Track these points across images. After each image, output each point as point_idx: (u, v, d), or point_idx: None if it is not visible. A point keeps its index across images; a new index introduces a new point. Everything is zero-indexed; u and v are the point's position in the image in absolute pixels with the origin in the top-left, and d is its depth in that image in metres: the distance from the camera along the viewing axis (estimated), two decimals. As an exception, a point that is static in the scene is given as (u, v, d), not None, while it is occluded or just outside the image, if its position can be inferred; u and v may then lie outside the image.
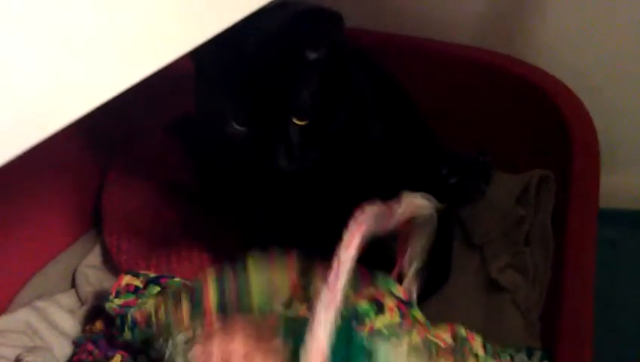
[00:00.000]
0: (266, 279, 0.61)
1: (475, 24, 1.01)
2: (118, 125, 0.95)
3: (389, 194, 0.63)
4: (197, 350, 0.60)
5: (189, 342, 0.61)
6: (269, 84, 0.58)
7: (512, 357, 0.63)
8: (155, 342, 0.65)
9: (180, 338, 0.63)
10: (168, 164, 0.95)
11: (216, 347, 0.59)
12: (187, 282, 0.71)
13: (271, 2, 0.56)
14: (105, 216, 0.88)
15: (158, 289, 0.72)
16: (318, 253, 0.62)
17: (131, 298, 0.70)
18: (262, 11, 0.63)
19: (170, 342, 0.63)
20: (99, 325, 0.73)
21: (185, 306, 0.61)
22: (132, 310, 0.65)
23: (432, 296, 0.81)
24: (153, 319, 0.63)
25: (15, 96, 0.29)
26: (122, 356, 0.66)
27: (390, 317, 0.61)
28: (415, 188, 0.72)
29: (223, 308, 0.60)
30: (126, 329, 0.65)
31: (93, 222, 0.92)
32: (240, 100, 0.59)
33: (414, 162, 0.78)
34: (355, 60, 0.70)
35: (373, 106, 0.72)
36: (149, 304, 0.65)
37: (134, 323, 0.64)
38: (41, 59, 0.30)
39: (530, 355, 0.65)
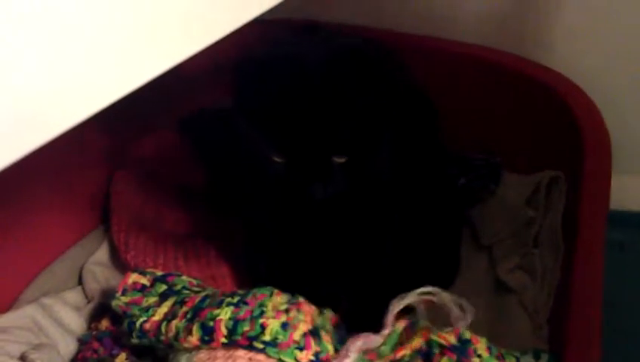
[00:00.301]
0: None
1: (482, 23, 1.00)
2: (129, 122, 0.96)
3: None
4: (202, 354, 0.61)
5: (194, 352, 0.62)
6: (312, 122, 0.58)
7: (517, 359, 0.63)
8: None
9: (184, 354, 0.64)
10: (178, 163, 0.96)
11: (220, 352, 0.59)
12: (198, 291, 0.71)
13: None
14: (113, 213, 0.89)
15: (164, 287, 0.72)
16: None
17: (138, 296, 0.70)
18: (304, 42, 0.64)
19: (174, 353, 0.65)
20: (105, 323, 0.74)
21: (196, 332, 0.61)
22: (141, 319, 0.65)
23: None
24: (162, 335, 0.63)
25: (16, 97, 0.29)
26: (127, 354, 0.66)
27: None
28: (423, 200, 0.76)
29: (234, 331, 0.60)
30: (134, 336, 0.65)
31: (102, 218, 0.92)
32: (281, 136, 0.59)
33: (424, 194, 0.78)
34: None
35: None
36: (159, 314, 0.66)
37: (143, 332, 0.65)
38: (42, 60, 0.30)
39: (537, 357, 0.64)
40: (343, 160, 0.60)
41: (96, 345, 0.70)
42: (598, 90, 0.89)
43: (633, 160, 0.99)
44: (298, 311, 0.63)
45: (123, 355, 0.66)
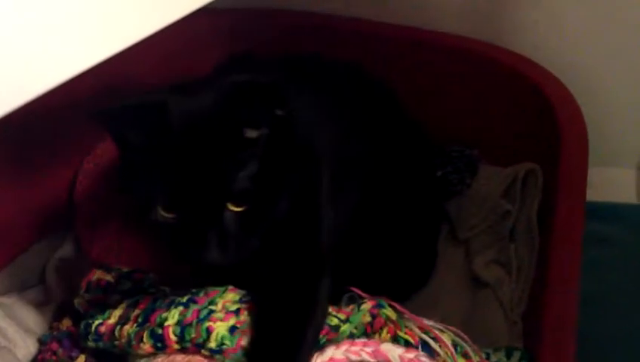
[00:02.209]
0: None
1: (463, 13, 0.99)
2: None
3: None
4: (159, 359, 0.59)
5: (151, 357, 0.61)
6: (202, 166, 0.52)
7: (488, 356, 0.61)
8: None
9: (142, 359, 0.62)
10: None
11: (179, 357, 0.57)
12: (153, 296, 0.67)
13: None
14: (77, 207, 0.86)
15: (129, 285, 0.70)
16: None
17: (100, 294, 0.68)
18: (192, 83, 0.57)
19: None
20: (66, 322, 0.72)
21: (147, 340, 0.59)
22: (97, 322, 0.63)
23: (418, 291, 0.80)
24: (116, 339, 0.61)
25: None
26: (86, 356, 0.64)
27: (362, 317, 0.60)
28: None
29: (182, 337, 0.58)
30: (90, 339, 0.63)
31: (66, 214, 0.89)
32: (168, 183, 0.52)
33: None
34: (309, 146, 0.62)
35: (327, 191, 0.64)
36: (114, 316, 0.63)
37: (99, 335, 0.63)
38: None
39: (509, 355, 0.63)
40: (240, 208, 0.53)
41: (55, 346, 0.67)
42: (576, 82, 0.88)
43: (611, 152, 0.99)
44: (250, 312, 0.60)
45: (82, 357, 0.64)
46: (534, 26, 0.95)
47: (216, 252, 0.53)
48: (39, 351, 0.70)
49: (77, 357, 0.64)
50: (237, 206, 0.53)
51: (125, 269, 0.72)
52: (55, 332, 0.70)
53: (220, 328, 0.57)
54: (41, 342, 0.71)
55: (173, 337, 0.58)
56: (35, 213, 0.85)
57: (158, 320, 0.59)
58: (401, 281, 0.79)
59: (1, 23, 0.29)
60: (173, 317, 0.59)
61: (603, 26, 0.92)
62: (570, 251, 0.68)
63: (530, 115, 0.89)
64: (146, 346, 0.59)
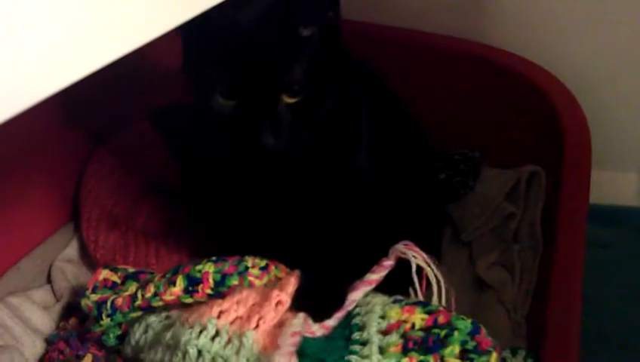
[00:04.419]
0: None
1: (459, 14, 0.99)
2: (100, 116, 0.94)
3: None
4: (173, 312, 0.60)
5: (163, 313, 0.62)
6: (260, 59, 0.57)
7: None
8: (131, 330, 0.64)
9: (153, 319, 0.63)
10: (149, 158, 0.93)
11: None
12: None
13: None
14: (83, 208, 0.86)
15: (136, 285, 0.70)
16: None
17: (108, 293, 0.68)
18: None
19: (142, 326, 0.64)
20: (72, 322, 0.71)
21: (180, 283, 0.60)
22: (112, 297, 0.64)
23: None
24: (139, 296, 0.62)
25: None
26: (94, 355, 0.64)
27: None
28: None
29: (222, 283, 0.60)
30: (104, 316, 0.64)
31: (72, 214, 0.90)
32: (229, 74, 0.57)
33: (403, 194, 0.77)
34: (351, 70, 0.68)
35: (366, 134, 0.70)
36: (130, 290, 0.65)
37: (114, 309, 0.63)
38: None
39: (514, 354, 0.63)
40: (293, 100, 0.58)
41: (62, 345, 0.67)
42: (579, 86, 0.88)
43: (613, 156, 0.99)
44: (276, 267, 0.63)
45: (89, 357, 0.64)
46: (537, 28, 0.96)
47: (270, 138, 0.58)
48: (46, 351, 0.70)
49: (84, 356, 0.64)
50: (290, 97, 0.58)
51: (131, 269, 0.72)
52: (62, 332, 0.70)
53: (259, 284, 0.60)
54: (49, 341, 0.71)
55: (211, 282, 0.59)
56: (40, 213, 0.86)
57: (192, 270, 0.61)
58: (404, 283, 0.79)
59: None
60: (210, 267, 0.61)
61: (607, 29, 0.93)
62: (573, 253, 0.69)
63: (534, 118, 0.90)
64: (177, 289, 0.60)
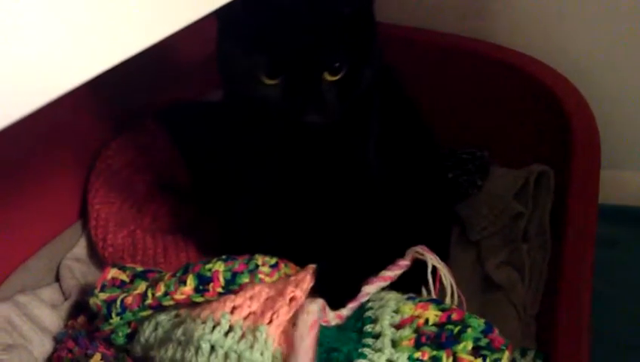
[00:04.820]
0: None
1: (464, 12, 0.99)
2: (108, 114, 0.94)
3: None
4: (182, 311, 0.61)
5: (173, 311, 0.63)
6: (304, 37, 0.58)
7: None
8: (140, 329, 0.64)
9: (163, 317, 0.63)
10: (158, 156, 0.93)
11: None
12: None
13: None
14: (91, 207, 0.86)
15: (146, 284, 0.70)
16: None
17: (117, 292, 0.68)
18: None
19: (152, 324, 0.64)
20: (81, 321, 0.71)
21: (191, 282, 0.61)
22: (122, 296, 0.65)
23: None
24: (150, 296, 0.62)
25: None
26: (103, 354, 0.64)
27: None
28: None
29: (232, 281, 0.60)
30: (113, 315, 0.64)
31: (80, 213, 0.90)
32: (274, 54, 0.58)
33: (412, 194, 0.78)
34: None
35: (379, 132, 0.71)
36: (140, 288, 0.65)
37: (124, 308, 0.64)
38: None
39: (523, 354, 0.63)
40: (335, 78, 0.60)
41: (71, 344, 0.67)
42: (587, 83, 0.88)
43: (623, 154, 0.99)
44: (285, 265, 0.63)
45: (98, 356, 0.64)
46: (546, 27, 0.96)
47: (314, 114, 0.60)
48: (55, 349, 0.70)
49: (92, 355, 0.64)
50: (332, 75, 0.60)
51: (140, 268, 0.72)
52: (70, 331, 0.70)
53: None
54: (57, 340, 0.71)
55: (222, 280, 0.60)
56: (48, 212, 0.86)
57: (202, 269, 0.61)
58: (415, 286, 0.79)
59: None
60: (220, 266, 0.61)
61: (617, 28, 0.92)
62: (582, 253, 0.68)
63: (542, 117, 0.89)
64: (188, 288, 0.60)
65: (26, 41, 0.29)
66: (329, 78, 0.60)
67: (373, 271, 0.66)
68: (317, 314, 0.56)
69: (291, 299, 0.57)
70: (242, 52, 0.60)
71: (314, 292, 0.61)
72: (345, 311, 0.60)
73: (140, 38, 0.36)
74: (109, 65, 0.34)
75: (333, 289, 0.61)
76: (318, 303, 0.57)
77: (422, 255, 0.62)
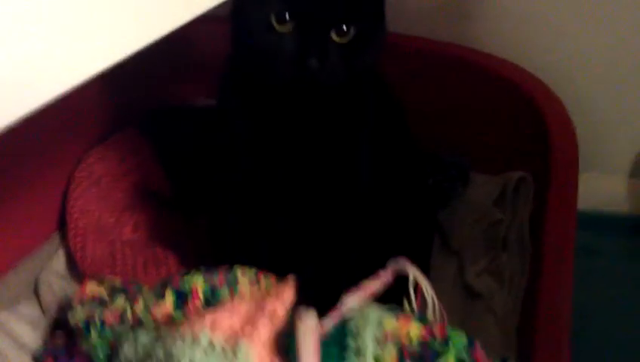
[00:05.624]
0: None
1: (445, 19, 0.99)
2: (87, 124, 0.93)
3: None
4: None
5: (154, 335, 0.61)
6: None
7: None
8: (120, 345, 0.63)
9: (143, 334, 0.62)
10: (138, 165, 0.92)
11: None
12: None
13: None
14: (69, 218, 0.85)
15: (124, 299, 0.69)
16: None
17: (96, 308, 0.67)
18: None
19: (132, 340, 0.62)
20: (60, 337, 0.70)
21: (169, 298, 0.61)
22: (99, 311, 0.64)
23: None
24: (128, 313, 0.62)
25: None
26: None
27: None
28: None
29: (211, 295, 0.60)
30: (92, 333, 0.63)
31: (58, 225, 0.88)
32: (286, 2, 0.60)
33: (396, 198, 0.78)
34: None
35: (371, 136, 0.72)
36: (118, 304, 0.64)
37: (103, 325, 0.63)
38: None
39: (503, 363, 0.63)
40: (342, 41, 0.61)
41: (50, 361, 0.67)
42: (566, 89, 0.88)
43: (601, 158, 0.99)
44: (265, 277, 0.64)
45: (78, 372, 0.63)
46: (526, 33, 0.96)
47: (316, 61, 0.60)
48: (34, 367, 0.70)
49: (73, 373, 0.64)
50: (338, 37, 0.61)
51: (118, 281, 0.72)
52: (50, 347, 0.69)
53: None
54: (36, 357, 0.70)
55: (201, 295, 0.60)
56: (26, 225, 0.84)
57: (181, 283, 0.61)
58: (393, 295, 0.79)
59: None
60: (197, 280, 0.61)
61: (593, 32, 0.93)
62: (562, 260, 0.69)
63: (521, 124, 0.90)
64: (167, 303, 0.60)
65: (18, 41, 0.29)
66: (336, 38, 0.61)
67: (357, 281, 0.66)
68: (315, 330, 0.55)
69: (272, 313, 0.57)
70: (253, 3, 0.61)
71: (295, 304, 0.60)
72: (328, 322, 0.60)
73: (123, 45, 0.36)
74: (89, 75, 0.34)
75: (317, 297, 0.61)
76: (313, 316, 0.57)
77: (402, 268, 0.62)
